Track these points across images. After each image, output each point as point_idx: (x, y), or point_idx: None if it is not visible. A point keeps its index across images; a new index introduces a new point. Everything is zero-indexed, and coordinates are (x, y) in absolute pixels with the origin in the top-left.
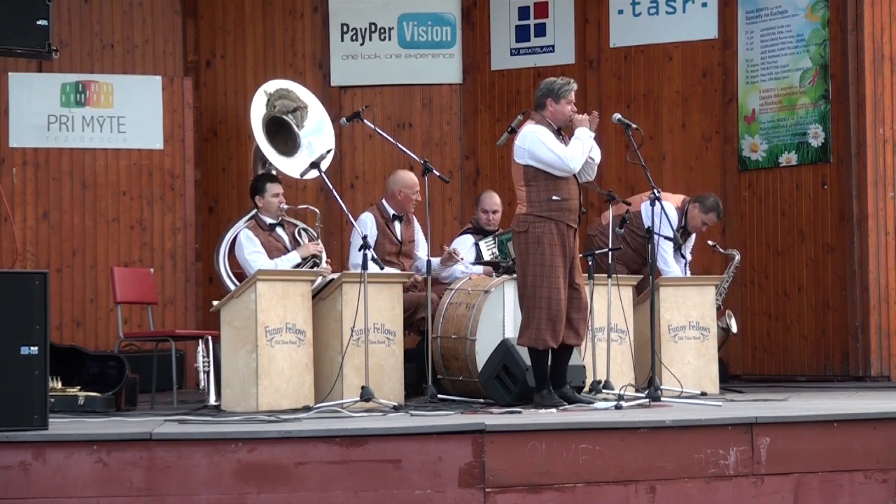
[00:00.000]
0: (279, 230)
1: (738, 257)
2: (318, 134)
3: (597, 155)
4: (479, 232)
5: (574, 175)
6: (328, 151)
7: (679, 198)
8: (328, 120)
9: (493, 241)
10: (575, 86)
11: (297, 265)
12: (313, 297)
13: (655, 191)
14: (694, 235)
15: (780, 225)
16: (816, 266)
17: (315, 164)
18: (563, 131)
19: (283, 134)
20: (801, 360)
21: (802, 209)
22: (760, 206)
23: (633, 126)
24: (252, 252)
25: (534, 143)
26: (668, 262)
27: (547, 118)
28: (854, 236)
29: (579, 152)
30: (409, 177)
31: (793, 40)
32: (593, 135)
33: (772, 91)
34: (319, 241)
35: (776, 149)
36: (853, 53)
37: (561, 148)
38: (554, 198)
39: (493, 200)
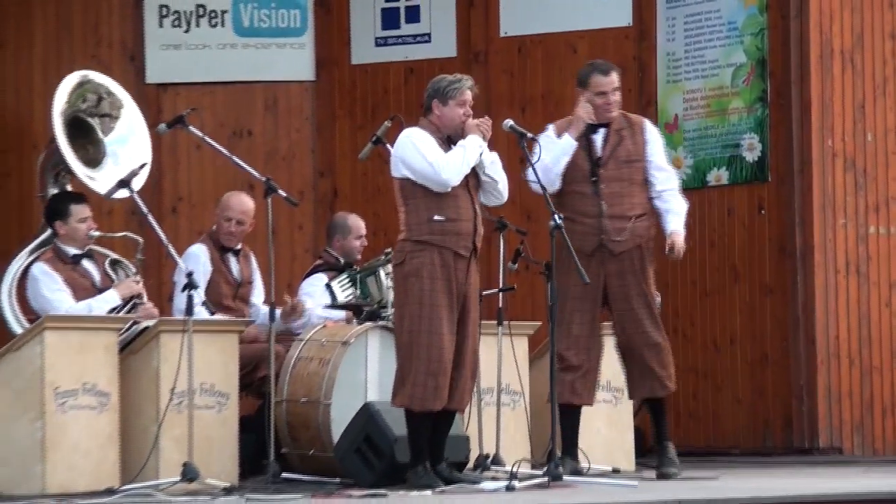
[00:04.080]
0: (86, 263)
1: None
2: (124, 144)
3: (499, 174)
4: (334, 268)
5: (468, 191)
6: (142, 166)
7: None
8: (145, 127)
9: (346, 280)
10: (468, 83)
11: (115, 309)
12: (121, 350)
13: (556, 217)
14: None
15: (708, 259)
16: (752, 311)
17: (125, 183)
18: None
19: (83, 139)
20: (735, 429)
21: (735, 240)
22: (685, 236)
23: (529, 135)
24: (54, 290)
25: (405, 149)
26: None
27: (434, 123)
28: (798, 274)
29: (458, 162)
30: (233, 201)
31: (723, 29)
32: (484, 145)
33: (698, 92)
34: (140, 277)
35: (703, 164)
36: (796, 46)
37: (436, 155)
38: (435, 218)
39: (360, 224)
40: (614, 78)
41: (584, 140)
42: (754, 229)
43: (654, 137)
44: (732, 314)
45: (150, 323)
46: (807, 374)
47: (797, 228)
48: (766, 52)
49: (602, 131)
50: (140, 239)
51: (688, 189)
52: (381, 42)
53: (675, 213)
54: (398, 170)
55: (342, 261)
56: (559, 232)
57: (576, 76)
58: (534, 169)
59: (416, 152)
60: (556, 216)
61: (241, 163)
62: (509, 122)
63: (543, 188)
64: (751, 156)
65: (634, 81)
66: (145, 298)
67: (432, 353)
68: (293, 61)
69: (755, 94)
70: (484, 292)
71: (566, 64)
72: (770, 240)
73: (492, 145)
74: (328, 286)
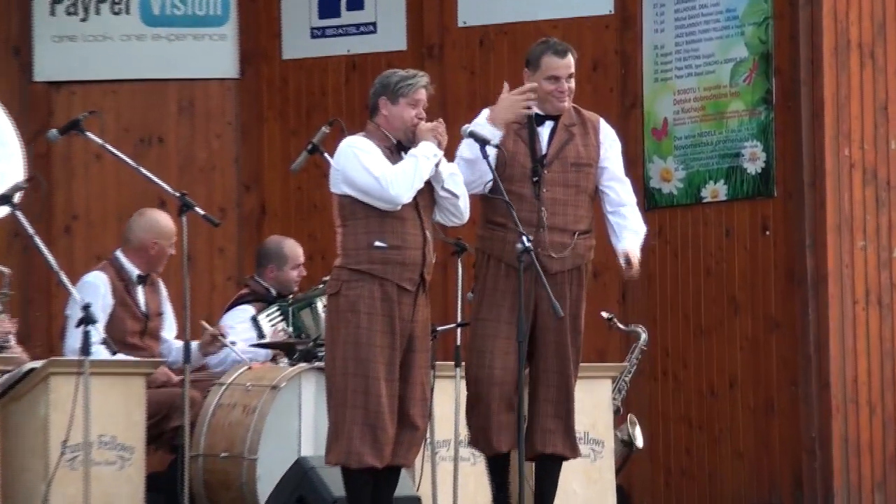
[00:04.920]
0: None
1: (644, 336)
2: None
3: (460, 189)
4: (262, 299)
5: (417, 212)
6: (28, 180)
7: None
8: (18, 143)
9: (277, 313)
10: (423, 80)
11: None
12: (0, 395)
13: (524, 239)
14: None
15: (703, 289)
16: (755, 350)
17: (6, 199)
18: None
19: None
20: (736, 488)
21: (735, 266)
22: (676, 262)
23: (493, 142)
24: None
25: (346, 161)
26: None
27: (381, 127)
28: (809, 306)
29: (409, 175)
30: (167, 222)
31: (721, 18)
32: (440, 153)
33: (691, 92)
34: (6, 316)
35: (697, 177)
36: (807, 38)
37: (382, 167)
38: (376, 244)
39: (298, 251)
40: (571, 62)
41: (528, 133)
42: (757, 253)
43: (610, 140)
44: (732, 353)
45: (37, 364)
46: (820, 424)
47: (808, 252)
48: (772, 45)
49: (549, 124)
50: (6, 270)
51: (680, 206)
52: (317, 33)
53: (633, 232)
54: (337, 186)
55: (273, 291)
56: (528, 255)
57: (525, 55)
58: (496, 180)
59: (358, 165)
60: (524, 237)
61: (151, 175)
62: (469, 127)
63: (508, 203)
64: (753, 167)
65: (616, 79)
66: (13, 342)
67: (370, 400)
68: (213, 55)
69: (758, 94)
70: (439, 328)
71: None
72: (776, 265)
73: (447, 153)
74: (254, 319)
